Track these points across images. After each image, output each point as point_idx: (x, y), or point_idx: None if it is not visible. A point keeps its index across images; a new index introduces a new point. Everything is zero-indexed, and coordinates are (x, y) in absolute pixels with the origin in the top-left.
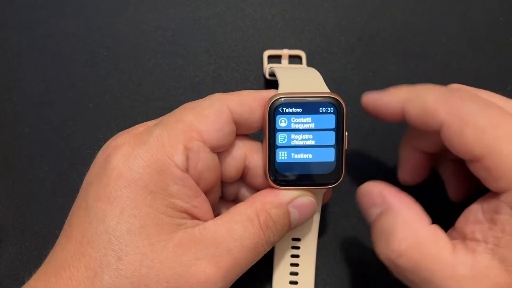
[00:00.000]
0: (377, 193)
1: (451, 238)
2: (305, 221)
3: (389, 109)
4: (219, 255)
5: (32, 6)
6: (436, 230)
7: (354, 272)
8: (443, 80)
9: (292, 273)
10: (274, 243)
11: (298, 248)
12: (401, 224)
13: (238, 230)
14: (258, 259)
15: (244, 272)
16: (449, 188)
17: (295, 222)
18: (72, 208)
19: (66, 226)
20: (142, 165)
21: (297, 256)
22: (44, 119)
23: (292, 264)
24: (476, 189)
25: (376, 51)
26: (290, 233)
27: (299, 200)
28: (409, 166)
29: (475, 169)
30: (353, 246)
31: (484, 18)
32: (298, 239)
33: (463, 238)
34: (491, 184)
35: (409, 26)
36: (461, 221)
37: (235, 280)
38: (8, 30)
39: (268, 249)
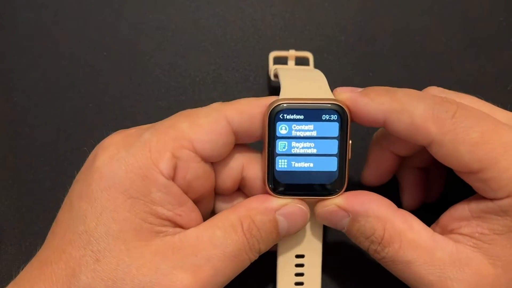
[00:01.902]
0: (336, 210)
1: (433, 230)
2: (296, 231)
3: (368, 117)
4: (197, 264)
5: (32, 6)
6: (406, 216)
7: (358, 285)
8: (443, 80)
9: None
10: (260, 251)
11: (302, 265)
12: (375, 221)
13: (220, 237)
14: (242, 269)
15: (226, 284)
16: (405, 195)
17: (284, 231)
18: (62, 205)
19: (53, 223)
20: (124, 169)
21: (301, 274)
22: (44, 119)
23: (297, 284)
24: (431, 200)
25: (376, 51)
26: (293, 249)
27: (288, 208)
28: (378, 167)
29: (469, 179)
30: (358, 258)
31: (484, 18)
32: (302, 256)
33: (447, 233)
34: (487, 194)
35: (409, 26)
36: (445, 217)
37: None
38: (8, 30)
39: (253, 258)
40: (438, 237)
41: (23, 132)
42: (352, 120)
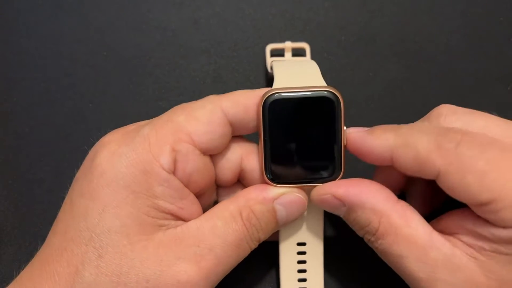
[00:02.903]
0: (331, 199)
1: (434, 227)
2: (295, 219)
3: (376, 155)
4: (200, 254)
5: (32, 6)
6: (405, 209)
7: (358, 276)
8: (443, 80)
9: (300, 280)
10: (260, 240)
11: (304, 253)
12: (371, 213)
13: (221, 227)
14: (242, 258)
15: (228, 272)
16: (411, 204)
17: (282, 220)
18: (62, 204)
19: (54, 221)
20: (126, 164)
21: (304, 261)
22: (44, 119)
23: (300, 271)
24: (438, 207)
25: (376, 51)
26: (295, 237)
27: (286, 197)
28: (385, 184)
29: (481, 212)
30: (360, 245)
31: (484, 18)
32: (304, 244)
33: (447, 233)
34: (498, 223)
35: (409, 26)
36: (450, 220)
37: (218, 281)
38: (8, 30)
39: (253, 246)
40: (436, 236)
41: (23, 132)
42: (360, 157)
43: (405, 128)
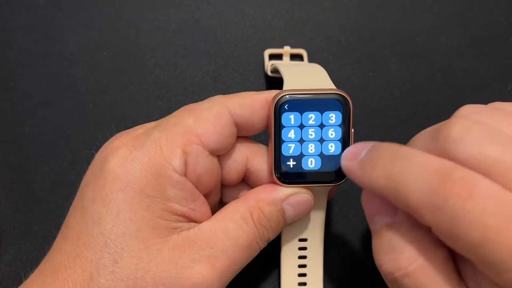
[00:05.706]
0: (386, 202)
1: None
2: (301, 217)
3: (372, 190)
4: (214, 256)
5: (32, 6)
6: (447, 257)
7: (357, 271)
8: (443, 80)
9: (301, 275)
10: (269, 240)
11: (305, 249)
12: (413, 243)
13: (233, 229)
14: (253, 257)
15: (239, 271)
16: None
17: (290, 219)
18: (70, 209)
19: (63, 227)
20: (139, 168)
21: (304, 257)
22: (44, 119)
23: (300, 266)
24: None
25: (376, 51)
26: (296, 234)
27: (295, 197)
28: None
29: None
30: (354, 246)
31: (484, 18)
32: (305, 240)
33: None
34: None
35: (409, 26)
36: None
37: (230, 279)
38: (8, 30)
39: (263, 246)
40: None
41: (23, 132)
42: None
43: (398, 167)
